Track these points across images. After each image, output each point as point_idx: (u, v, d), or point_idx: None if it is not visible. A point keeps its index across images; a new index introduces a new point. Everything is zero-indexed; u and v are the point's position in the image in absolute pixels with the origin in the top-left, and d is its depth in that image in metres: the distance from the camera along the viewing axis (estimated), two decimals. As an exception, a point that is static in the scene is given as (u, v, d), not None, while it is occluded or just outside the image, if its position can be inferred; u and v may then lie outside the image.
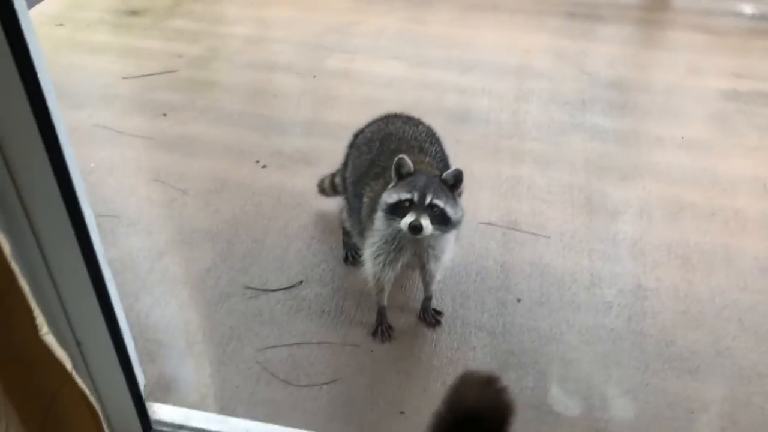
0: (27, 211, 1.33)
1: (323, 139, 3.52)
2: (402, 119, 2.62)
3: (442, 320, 2.56)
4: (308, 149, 3.44)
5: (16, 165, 1.28)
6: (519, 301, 2.65)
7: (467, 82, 4.03)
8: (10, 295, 1.13)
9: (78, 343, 1.56)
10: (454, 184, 2.20)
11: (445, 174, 2.20)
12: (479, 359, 2.42)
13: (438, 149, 2.52)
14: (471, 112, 3.75)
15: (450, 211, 2.17)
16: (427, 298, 2.55)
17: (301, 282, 2.71)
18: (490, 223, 2.96)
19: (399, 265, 2.31)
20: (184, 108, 3.74)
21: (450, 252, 2.37)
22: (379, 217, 2.25)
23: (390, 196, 2.20)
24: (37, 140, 1.26)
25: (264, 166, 3.32)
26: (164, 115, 3.67)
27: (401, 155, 2.21)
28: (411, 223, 2.11)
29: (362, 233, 2.43)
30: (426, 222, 2.11)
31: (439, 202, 2.14)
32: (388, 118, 2.64)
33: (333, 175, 2.93)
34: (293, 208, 3.08)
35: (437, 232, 2.17)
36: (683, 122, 3.72)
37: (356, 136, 2.69)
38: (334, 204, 3.04)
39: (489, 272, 2.77)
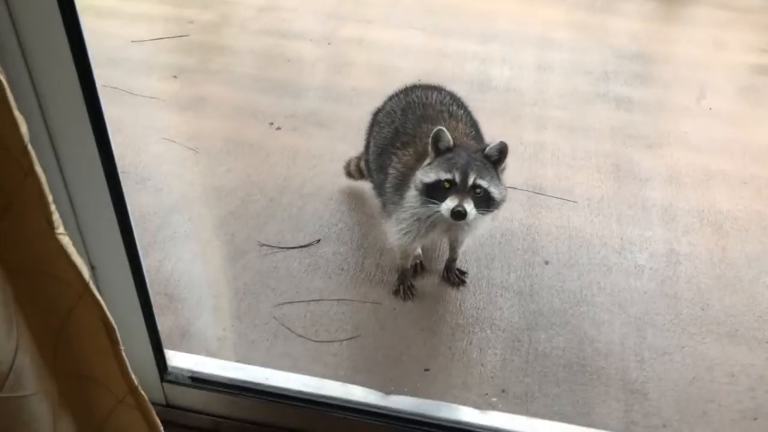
0: (42, 105, 1.22)
1: (339, 104, 3.40)
2: (421, 87, 2.44)
3: (467, 280, 2.44)
4: (323, 113, 3.32)
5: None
6: (547, 263, 2.53)
7: (487, 51, 3.92)
8: (28, 182, 1.01)
9: (93, 267, 1.45)
10: (498, 160, 2.00)
11: (488, 148, 1.99)
12: (506, 318, 2.30)
13: (465, 112, 2.36)
14: (492, 80, 3.64)
15: (494, 191, 1.97)
16: (452, 260, 2.42)
17: (319, 240, 2.59)
18: (514, 187, 2.84)
19: (428, 239, 2.17)
20: (195, 71, 3.63)
21: (485, 227, 2.22)
22: (413, 196, 2.06)
23: (427, 175, 1.99)
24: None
25: (278, 128, 3.20)
26: (174, 77, 3.55)
27: (440, 127, 1.99)
28: (454, 208, 1.91)
29: (386, 205, 2.28)
30: (470, 207, 1.92)
31: (483, 183, 1.94)
32: (407, 89, 2.45)
33: (359, 159, 2.76)
34: (309, 169, 2.96)
35: (481, 215, 1.99)
36: (710, 94, 3.61)
37: (375, 114, 2.51)
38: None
39: (515, 234, 2.65)
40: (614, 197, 2.86)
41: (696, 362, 2.19)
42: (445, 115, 2.30)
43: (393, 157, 2.25)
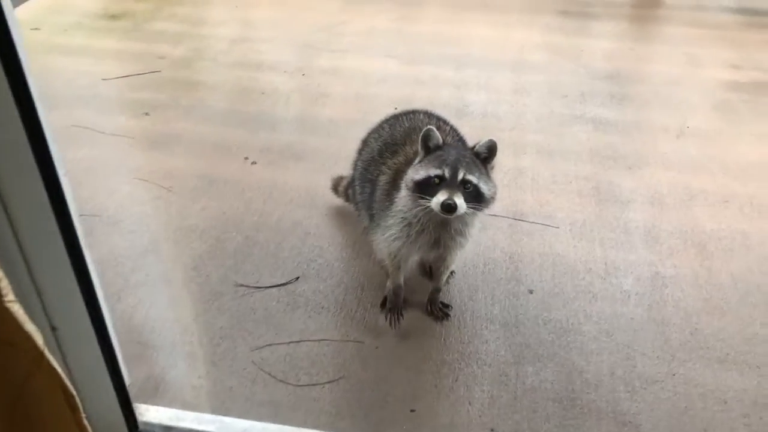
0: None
1: (315, 135, 3.35)
2: (406, 114, 2.45)
3: (451, 314, 2.38)
4: (300, 145, 3.27)
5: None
6: (531, 292, 2.48)
7: (462, 77, 3.90)
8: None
9: (54, 328, 1.37)
10: (487, 157, 2.01)
11: (477, 146, 2.01)
12: (492, 352, 2.24)
13: (452, 128, 2.36)
14: (468, 106, 3.61)
15: (484, 187, 1.97)
16: (436, 290, 2.37)
17: (297, 278, 2.52)
18: (495, 215, 2.79)
19: (417, 247, 2.13)
20: (167, 107, 3.57)
21: (473, 241, 2.18)
22: (403, 196, 2.05)
23: (417, 173, 1.99)
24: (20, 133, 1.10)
25: (253, 163, 3.14)
26: (146, 114, 3.49)
27: (430, 127, 2.01)
28: (444, 201, 1.89)
29: (373, 217, 2.24)
30: (460, 200, 1.90)
31: (473, 178, 1.94)
32: (392, 117, 2.46)
33: (349, 181, 2.74)
34: (286, 204, 2.90)
35: (470, 211, 1.97)
36: (687, 112, 3.60)
37: (362, 141, 2.51)
38: (330, 200, 2.87)
39: (497, 264, 2.60)
40: (596, 221, 2.82)
41: (688, 390, 2.13)
42: (433, 123, 2.28)
43: (382, 166, 2.25)
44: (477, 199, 1.97)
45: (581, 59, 4.14)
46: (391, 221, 2.11)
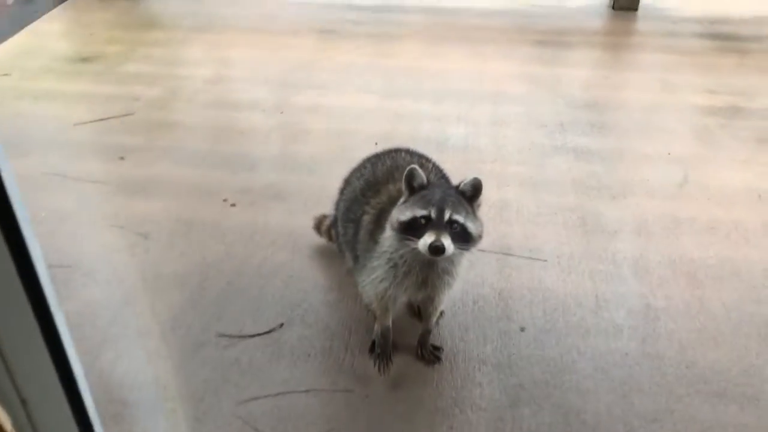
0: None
1: (296, 174, 3.30)
2: (387, 152, 2.41)
3: (442, 356, 2.31)
4: (280, 185, 3.21)
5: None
6: (523, 329, 2.43)
7: (442, 110, 3.88)
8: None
9: (23, 401, 1.28)
10: (473, 195, 1.97)
11: (462, 184, 1.98)
12: (486, 396, 2.17)
13: (434, 166, 2.32)
14: (449, 139, 3.58)
15: (471, 226, 1.93)
16: (426, 333, 2.30)
17: (282, 325, 2.44)
18: (482, 250, 2.74)
19: (404, 288, 2.07)
20: (142, 150, 3.49)
21: (461, 280, 2.13)
22: (389, 236, 2.00)
23: (403, 213, 1.95)
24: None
25: (233, 205, 3.07)
26: (121, 158, 3.41)
27: (413, 166, 1.97)
28: (432, 243, 1.85)
29: (358, 259, 2.18)
30: (447, 241, 1.86)
31: (459, 218, 1.90)
32: (373, 156, 2.43)
33: (332, 221, 2.70)
34: (267, 246, 2.83)
35: (458, 251, 1.93)
36: (667, 139, 3.60)
37: (344, 181, 2.47)
38: (313, 241, 2.81)
39: (487, 301, 2.55)
40: (584, 253, 2.79)
41: (687, 427, 2.08)
42: (415, 161, 2.24)
43: (365, 206, 2.20)
44: (464, 238, 1.93)
45: (559, 89, 4.14)
46: (376, 262, 2.05)
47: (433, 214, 1.89)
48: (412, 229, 1.91)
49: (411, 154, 2.33)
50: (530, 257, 2.76)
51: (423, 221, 1.90)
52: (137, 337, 2.41)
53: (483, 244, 2.59)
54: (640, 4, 5.30)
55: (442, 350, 2.32)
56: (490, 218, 2.94)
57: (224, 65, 4.50)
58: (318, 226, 2.78)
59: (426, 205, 1.91)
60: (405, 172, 1.96)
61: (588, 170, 3.33)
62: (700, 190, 3.18)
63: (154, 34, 4.94)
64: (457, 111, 3.86)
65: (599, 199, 3.12)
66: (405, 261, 1.99)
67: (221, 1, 5.60)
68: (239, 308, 2.52)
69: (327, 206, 2.88)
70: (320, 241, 2.80)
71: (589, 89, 4.18)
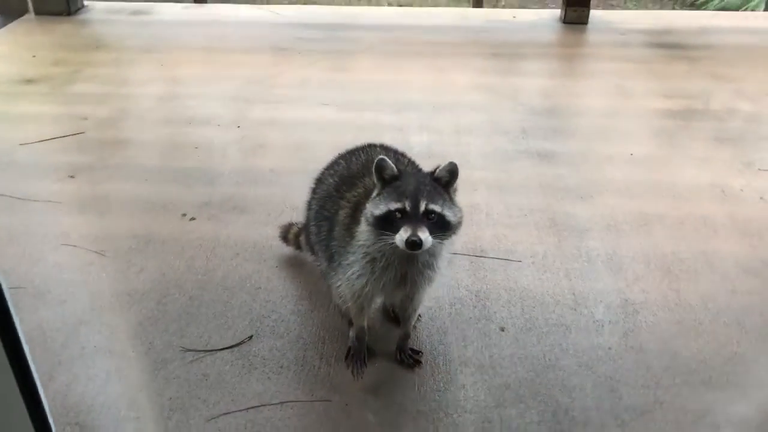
0: None
1: (256, 187, 3.18)
2: (362, 147, 2.31)
3: (422, 360, 2.21)
4: (241, 198, 3.09)
5: None
6: (503, 329, 2.35)
7: (403, 120, 3.83)
8: None
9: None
10: (449, 181, 1.88)
11: (437, 170, 1.87)
12: (471, 398, 2.08)
13: (409, 161, 2.24)
14: (413, 147, 3.48)
15: (449, 214, 1.83)
16: (405, 337, 2.20)
17: (251, 337, 2.31)
18: (454, 253, 2.67)
19: (382, 285, 1.96)
20: (94, 168, 3.33)
21: (441, 275, 2.03)
22: (364, 230, 1.89)
23: (377, 207, 1.84)
24: None
25: (192, 219, 2.94)
26: (71, 177, 3.24)
27: (381, 157, 1.86)
28: (408, 238, 1.75)
29: (333, 258, 2.07)
30: (425, 235, 1.76)
31: (436, 207, 1.80)
32: (347, 152, 2.32)
33: (299, 228, 2.60)
34: (231, 258, 2.70)
35: (437, 241, 1.83)
36: (628, 141, 3.63)
37: (316, 180, 2.34)
38: (279, 251, 2.70)
39: (464, 303, 2.47)
40: (557, 252, 2.74)
41: (678, 418, 2.02)
42: (391, 155, 2.16)
43: (340, 201, 2.09)
44: (443, 227, 1.84)
45: (518, 97, 4.14)
46: (352, 257, 1.94)
47: (408, 207, 1.80)
48: (387, 223, 1.82)
49: (386, 149, 2.24)
50: (504, 258, 2.70)
51: (398, 215, 1.80)
52: (94, 357, 2.23)
53: (456, 247, 2.55)
54: (589, 18, 5.39)
55: (422, 354, 2.22)
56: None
57: (175, 83, 4.38)
58: (285, 235, 2.67)
59: (400, 197, 1.82)
60: (374, 164, 1.87)
61: (554, 173, 3.31)
62: (665, 188, 3.19)
63: (100, 55, 4.80)
64: (418, 121, 3.82)
65: (567, 199, 3.09)
66: (383, 255, 1.89)
67: (167, 23, 5.49)
68: (204, 323, 2.37)
69: (291, 217, 2.79)
70: (287, 250, 2.69)
71: (547, 97, 4.20)
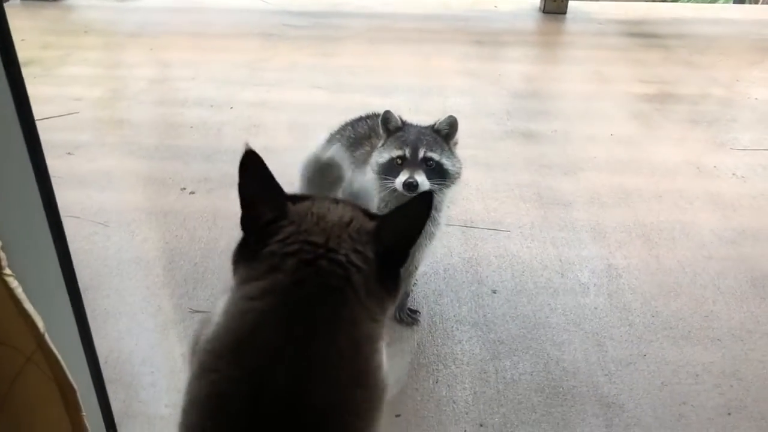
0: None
1: (252, 163, 3.27)
2: (367, 116, 2.42)
3: (420, 318, 2.33)
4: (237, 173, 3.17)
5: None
6: (495, 292, 2.48)
7: (392, 102, 3.92)
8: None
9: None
10: (449, 133, 2.04)
11: (437, 123, 2.04)
12: (468, 351, 2.21)
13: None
14: (402, 127, 3.64)
15: (447, 162, 1.99)
16: (405, 295, 2.32)
17: (256, 299, 2.41)
18: (448, 224, 2.80)
19: None
20: (91, 145, 3.40)
21: (442, 232, 2.16)
22: (370, 179, 2.04)
23: (380, 156, 2.01)
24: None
25: (192, 193, 3.03)
26: (70, 153, 3.31)
27: (386, 109, 2.03)
28: (405, 180, 1.91)
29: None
30: (422, 178, 1.92)
31: (434, 155, 1.96)
32: (353, 119, 2.44)
33: None
34: (232, 229, 2.73)
35: (436, 187, 1.97)
36: (608, 122, 3.78)
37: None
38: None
39: (457, 269, 2.60)
40: (543, 223, 2.88)
41: (660, 368, 2.17)
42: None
43: (350, 157, 2.22)
44: (440, 174, 1.99)
45: (501, 82, 4.28)
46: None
47: (407, 153, 1.96)
48: (389, 169, 1.98)
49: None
50: (494, 229, 2.83)
51: (399, 161, 1.96)
52: (105, 319, 2.32)
53: (448, 217, 2.67)
54: (568, 7, 5.55)
55: (419, 313, 2.35)
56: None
57: (166, 67, 4.45)
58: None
59: (401, 145, 1.98)
60: (381, 116, 2.03)
61: (538, 151, 3.46)
62: (644, 165, 3.35)
63: (89, 39, 4.83)
64: (406, 103, 3.93)
65: (552, 176, 3.24)
66: (386, 205, 2.03)
67: (155, 8, 5.53)
68: (210, 287, 2.47)
69: (286, 191, 2.88)
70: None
71: (530, 81, 4.35)
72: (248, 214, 1.03)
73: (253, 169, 1.00)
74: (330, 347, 0.93)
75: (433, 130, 2.04)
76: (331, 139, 2.39)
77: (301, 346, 0.91)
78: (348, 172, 2.18)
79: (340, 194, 2.10)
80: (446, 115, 2.04)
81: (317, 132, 2.53)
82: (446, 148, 2.02)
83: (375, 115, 2.36)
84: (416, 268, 2.26)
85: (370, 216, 1.04)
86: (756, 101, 4.12)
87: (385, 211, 2.02)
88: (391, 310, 1.04)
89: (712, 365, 2.19)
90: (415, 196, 1.00)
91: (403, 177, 1.92)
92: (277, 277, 0.94)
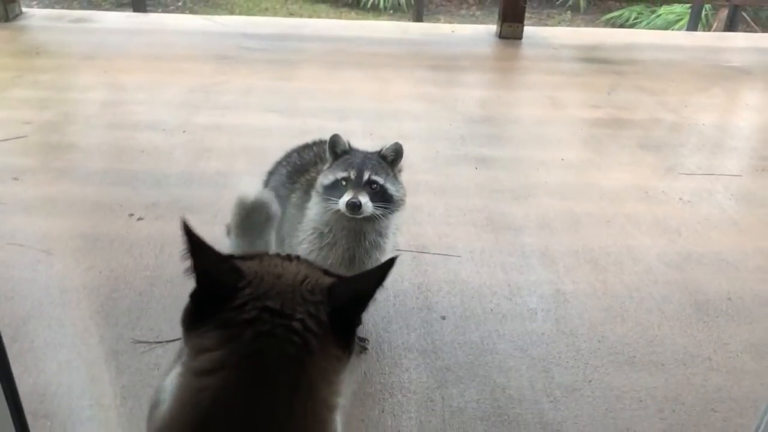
0: None
1: (204, 188, 3.24)
2: (314, 142, 2.44)
3: (368, 346, 2.32)
4: (188, 199, 3.15)
5: None
6: (443, 318, 2.48)
7: (347, 126, 3.94)
8: None
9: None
10: (394, 160, 2.07)
11: (384, 149, 2.06)
12: (414, 380, 2.20)
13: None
14: (356, 151, 3.65)
15: (391, 187, 2.01)
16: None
17: (201, 329, 2.37)
18: (398, 249, 2.79)
19: (329, 264, 2.07)
20: (38, 171, 3.33)
21: (390, 252, 2.16)
22: (315, 202, 2.05)
23: (326, 177, 2.02)
24: None
25: (140, 219, 2.98)
26: (15, 179, 3.24)
27: (335, 133, 2.05)
28: (349, 200, 1.93)
29: (283, 241, 2.17)
30: (365, 199, 1.94)
31: (379, 179, 1.99)
32: (300, 146, 2.45)
33: None
34: (180, 256, 2.74)
35: (378, 211, 1.98)
36: (559, 147, 3.85)
37: (268, 174, 2.45)
38: (227, 248, 2.76)
39: (407, 294, 2.59)
40: (494, 248, 2.90)
41: (605, 393, 2.19)
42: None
43: (293, 185, 2.24)
44: (384, 198, 2.01)
45: (456, 107, 4.33)
46: (302, 235, 2.08)
47: (352, 176, 1.98)
48: (333, 191, 1.99)
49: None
50: (445, 254, 2.84)
51: (344, 183, 1.98)
52: (45, 350, 2.26)
53: (399, 243, 2.67)
54: (524, 33, 5.65)
55: (368, 341, 2.33)
56: (403, 220, 3.00)
57: (119, 90, 4.41)
58: (230, 231, 2.75)
59: (347, 167, 2.00)
60: (328, 140, 2.05)
61: (490, 176, 3.49)
62: (594, 190, 3.40)
63: (41, 61, 4.78)
64: (362, 127, 3.95)
65: (503, 200, 3.27)
66: (330, 229, 2.03)
67: (110, 30, 5.50)
68: (154, 316, 2.42)
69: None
70: (235, 248, 2.76)
71: (484, 106, 4.40)
72: (204, 285, 0.98)
73: (196, 239, 0.96)
74: (289, 421, 0.91)
75: (380, 155, 2.06)
76: (277, 167, 2.38)
77: (262, 422, 0.89)
78: (278, 208, 2.17)
79: (273, 234, 2.08)
80: (392, 142, 2.05)
81: (270, 157, 2.52)
82: (391, 174, 2.04)
83: (322, 142, 2.36)
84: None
85: (327, 273, 1.02)
86: (703, 126, 4.23)
87: (328, 235, 2.02)
88: (345, 371, 1.02)
89: (656, 390, 2.21)
90: (384, 263, 0.97)
91: (346, 197, 1.94)
92: (234, 348, 0.92)
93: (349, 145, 2.07)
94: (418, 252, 2.83)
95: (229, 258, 0.99)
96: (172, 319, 2.40)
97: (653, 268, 2.81)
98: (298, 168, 2.26)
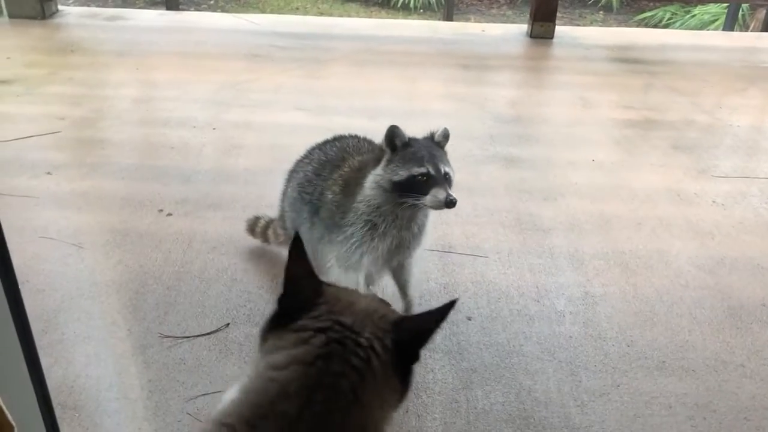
0: None
1: (232, 185, 3.27)
2: (333, 139, 2.45)
3: (393, 346, 2.31)
4: (217, 195, 3.17)
5: None
6: (470, 319, 2.46)
7: (375, 125, 3.85)
8: None
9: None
10: (444, 145, 2.10)
11: (436, 135, 2.09)
12: (439, 381, 2.18)
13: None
14: (384, 150, 3.63)
15: (453, 176, 2.04)
16: (408, 305, 2.36)
17: (228, 324, 2.39)
18: (425, 249, 2.78)
19: (378, 254, 2.09)
20: (71, 166, 3.38)
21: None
22: (369, 196, 2.03)
23: (395, 173, 1.98)
24: None
25: (169, 214, 3.01)
26: (48, 173, 3.29)
27: (393, 124, 2.02)
28: (447, 197, 1.93)
29: (322, 237, 2.17)
30: (454, 194, 1.95)
31: (450, 170, 2.02)
32: (319, 144, 2.46)
33: (266, 222, 2.72)
34: (208, 252, 2.77)
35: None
36: (590, 148, 3.79)
37: (289, 173, 2.48)
38: (256, 245, 2.78)
39: (432, 294, 2.58)
40: (522, 249, 2.87)
41: (633, 399, 2.15)
42: (364, 142, 2.36)
43: (325, 182, 2.20)
44: (450, 186, 2.03)
45: (486, 106, 4.30)
46: (351, 229, 2.07)
47: (431, 170, 1.97)
48: (409, 187, 1.96)
49: (357, 138, 2.37)
50: (471, 254, 2.82)
51: (423, 178, 1.95)
52: (74, 343, 2.29)
53: (425, 242, 2.66)
54: (555, 32, 5.59)
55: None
56: (430, 221, 3.00)
57: (151, 86, 4.46)
58: (252, 229, 2.76)
59: (421, 162, 1.97)
60: (386, 131, 2.01)
61: (519, 176, 3.46)
62: (624, 192, 3.35)
63: (75, 58, 4.85)
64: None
65: (532, 201, 3.24)
66: (384, 220, 2.04)
67: (143, 28, 5.56)
68: (182, 311, 2.44)
69: (266, 212, 2.87)
70: (262, 245, 2.77)
71: (514, 106, 4.36)
72: (289, 291, 1.09)
73: (298, 252, 1.07)
74: (344, 425, 0.97)
75: (435, 143, 2.07)
76: (299, 165, 2.38)
77: (317, 420, 0.94)
78: (326, 193, 2.18)
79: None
80: (442, 128, 2.06)
81: (297, 155, 2.53)
82: (448, 160, 2.06)
83: (342, 138, 2.36)
84: (411, 275, 2.31)
85: (393, 312, 1.12)
86: (738, 128, 4.14)
87: (381, 225, 2.01)
88: (399, 408, 1.10)
89: (686, 396, 2.16)
90: (445, 305, 1.05)
91: (441, 195, 1.93)
92: (306, 349, 1.00)
93: (408, 136, 2.05)
94: (444, 252, 2.81)
95: (317, 277, 1.10)
96: (199, 314, 2.42)
97: (684, 272, 2.76)
98: (325, 164, 2.25)
